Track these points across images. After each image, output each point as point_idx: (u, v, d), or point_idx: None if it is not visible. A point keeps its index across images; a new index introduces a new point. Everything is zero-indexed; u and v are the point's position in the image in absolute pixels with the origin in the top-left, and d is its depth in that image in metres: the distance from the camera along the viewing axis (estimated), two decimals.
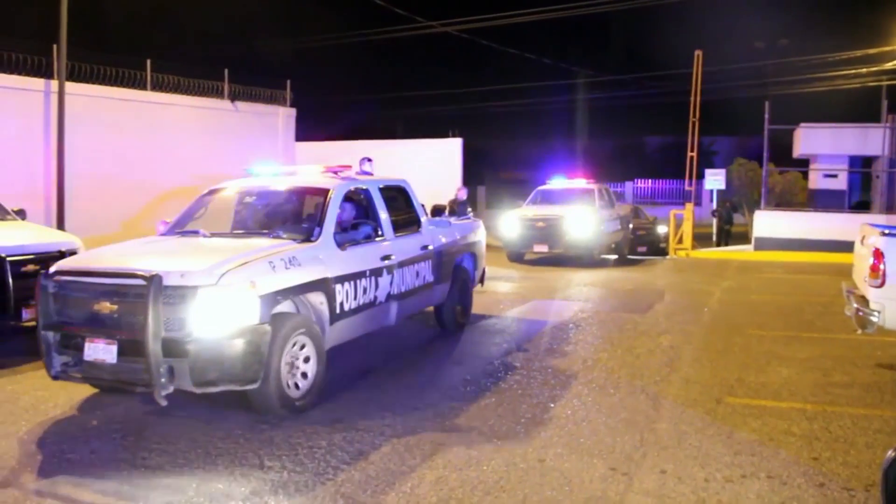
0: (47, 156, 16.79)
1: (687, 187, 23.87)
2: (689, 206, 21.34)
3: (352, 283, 6.69)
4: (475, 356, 8.03)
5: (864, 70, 29.83)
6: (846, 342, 8.73)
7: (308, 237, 6.53)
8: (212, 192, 7.79)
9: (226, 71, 21.62)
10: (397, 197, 8.39)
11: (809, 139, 25.76)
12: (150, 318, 5.15)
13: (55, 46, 16.37)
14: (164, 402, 5.27)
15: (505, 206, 21.75)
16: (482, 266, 10.19)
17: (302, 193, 7.64)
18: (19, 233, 8.89)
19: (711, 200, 25.60)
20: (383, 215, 7.66)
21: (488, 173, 38.64)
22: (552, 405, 6.23)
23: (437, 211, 10.50)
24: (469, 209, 14.69)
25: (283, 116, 23.66)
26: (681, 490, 4.53)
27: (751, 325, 9.93)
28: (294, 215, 7.46)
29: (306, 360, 6.01)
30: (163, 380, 5.19)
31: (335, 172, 7.66)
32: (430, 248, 8.36)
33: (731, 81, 35.38)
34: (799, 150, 26.68)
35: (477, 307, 11.12)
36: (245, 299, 5.45)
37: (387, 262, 7.32)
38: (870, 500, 4.43)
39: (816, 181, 26.28)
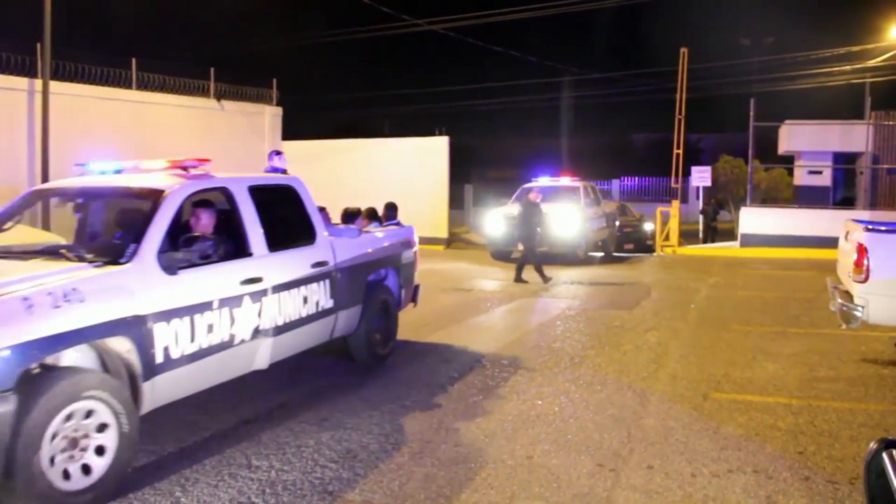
0: (31, 156, 16.67)
1: (673, 184, 23.96)
2: (676, 204, 21.44)
3: (187, 319, 4.97)
4: (462, 354, 8.04)
5: (849, 67, 30.07)
6: (831, 337, 8.80)
7: (116, 258, 4.78)
8: (33, 194, 6.31)
9: (212, 70, 21.54)
10: (282, 201, 6.66)
11: (794, 136, 25.93)
12: None
13: (39, 45, 16.26)
14: None
15: (492, 204, 21.76)
16: (413, 282, 8.47)
17: (131, 197, 5.86)
18: (3, 234, 8.81)
19: (698, 197, 25.72)
20: (252, 225, 5.86)
21: (475, 171, 38.67)
22: (539, 402, 6.24)
23: (350, 215, 8.64)
24: (541, 212, 14.47)
25: (269, 115, 23.58)
26: (668, 485, 4.56)
27: (737, 321, 9.99)
28: (117, 227, 5.91)
29: (101, 427, 4.35)
30: None
31: (184, 168, 5.86)
32: (329, 264, 6.60)
33: (716, 79, 35.61)
34: (784, 147, 26.85)
35: (465, 306, 11.14)
36: None
37: (252, 286, 5.57)
38: (854, 492, 4.47)
39: (801, 178, 26.45)
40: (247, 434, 5.45)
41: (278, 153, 10.73)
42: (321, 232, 6.73)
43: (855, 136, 24.37)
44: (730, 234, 24.00)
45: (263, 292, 5.71)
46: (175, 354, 4.90)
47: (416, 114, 41.40)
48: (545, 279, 13.56)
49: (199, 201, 5.81)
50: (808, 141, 25.69)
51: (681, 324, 9.83)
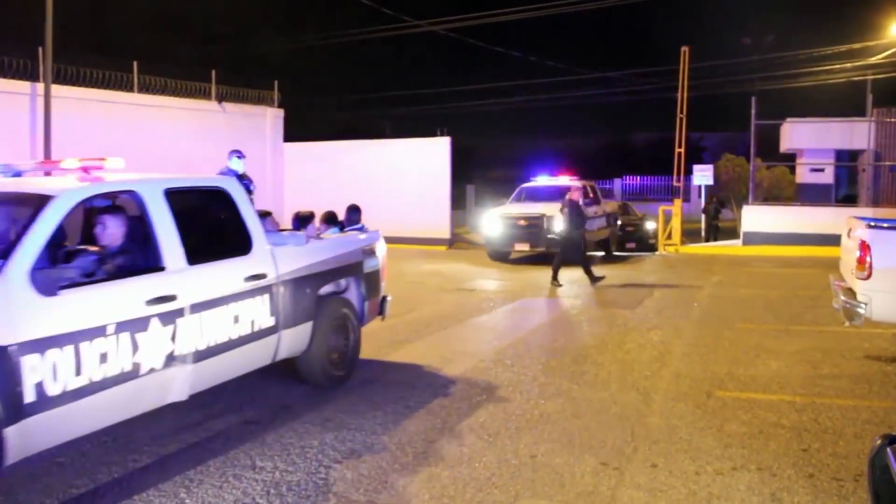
0: (34, 159, 16.71)
1: (675, 183, 23.97)
2: (678, 202, 21.43)
3: (69, 348, 4.19)
4: (465, 353, 8.04)
5: (850, 65, 30.07)
6: (834, 334, 8.78)
7: None
8: None
9: (213, 72, 21.59)
10: (209, 206, 6.00)
11: (796, 134, 25.90)
12: None
13: (41, 49, 16.31)
14: None
15: (493, 204, 21.74)
16: (380, 293, 7.56)
17: (18, 203, 5.03)
18: None
19: (700, 196, 25.74)
20: (166, 234, 5.04)
21: (477, 172, 38.65)
22: (543, 401, 6.24)
23: (301, 220, 7.49)
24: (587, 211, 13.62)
25: (271, 117, 23.62)
26: (672, 483, 4.56)
27: (740, 319, 9.98)
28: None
29: None
30: None
31: (85, 170, 5.07)
32: (268, 277, 5.79)
33: (718, 77, 35.61)
34: (786, 144, 26.83)
35: (467, 306, 11.13)
36: None
37: (163, 306, 4.81)
38: (858, 489, 4.46)
39: (803, 175, 26.42)
40: (250, 435, 5.45)
41: (239, 155, 10.15)
42: (259, 240, 5.88)
43: (857, 134, 24.35)
44: (732, 233, 23.99)
45: (178, 312, 4.93)
46: (53, 391, 4.10)
47: (418, 115, 41.43)
48: (555, 281, 13.23)
49: (107, 207, 5.21)
50: (809, 138, 25.67)
51: (684, 322, 9.82)
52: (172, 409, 5.93)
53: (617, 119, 49.57)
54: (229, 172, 9.63)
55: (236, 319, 5.47)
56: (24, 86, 16.85)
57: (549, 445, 5.21)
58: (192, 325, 5.05)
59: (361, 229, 8.10)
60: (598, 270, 15.85)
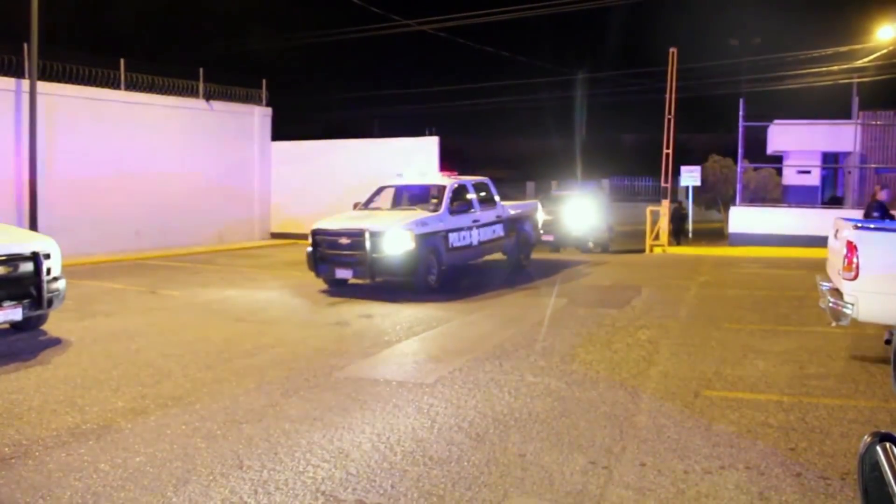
0: (18, 156, 16.59)
1: (663, 184, 24.03)
2: (665, 203, 21.49)
3: None
4: (452, 353, 8.03)
5: (836, 68, 30.24)
6: (821, 335, 8.83)
7: None
8: None
9: (201, 70, 21.48)
10: None
11: (783, 136, 26.04)
12: None
13: (26, 45, 16.18)
14: None
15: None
16: None
17: None
18: None
19: (687, 197, 25.88)
20: None
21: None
22: (531, 400, 6.24)
23: None
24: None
25: (259, 116, 23.53)
26: (660, 482, 4.56)
27: (728, 320, 10.01)
28: None
29: None
30: None
31: None
32: None
33: (706, 79, 35.76)
34: (773, 146, 26.97)
35: (453, 305, 11.07)
36: None
37: None
38: (845, 488, 4.48)
39: (790, 177, 26.56)
40: (238, 434, 5.42)
41: None
42: None
43: (843, 136, 24.49)
44: (719, 234, 24.09)
45: None
46: None
47: (407, 114, 41.44)
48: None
49: None
50: (796, 140, 25.80)
51: (671, 322, 9.85)
52: (158, 406, 5.91)
53: (605, 119, 49.68)
54: None
55: None
56: (8, 82, 16.71)
57: (538, 444, 5.21)
58: None
59: None
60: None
